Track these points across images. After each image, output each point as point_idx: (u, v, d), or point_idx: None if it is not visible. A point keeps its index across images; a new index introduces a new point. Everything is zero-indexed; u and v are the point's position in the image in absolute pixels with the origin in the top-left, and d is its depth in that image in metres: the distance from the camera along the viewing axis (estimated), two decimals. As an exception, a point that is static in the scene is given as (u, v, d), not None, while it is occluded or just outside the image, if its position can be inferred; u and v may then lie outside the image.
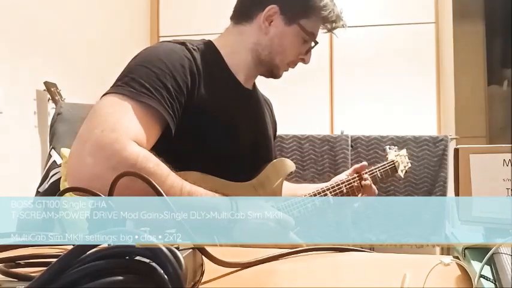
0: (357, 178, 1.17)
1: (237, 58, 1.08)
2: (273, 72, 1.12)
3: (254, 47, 1.08)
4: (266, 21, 1.07)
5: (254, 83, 1.18)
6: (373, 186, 1.19)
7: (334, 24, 1.11)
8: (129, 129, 0.83)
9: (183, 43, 1.00)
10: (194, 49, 1.00)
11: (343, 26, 1.13)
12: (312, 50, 1.13)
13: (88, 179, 0.78)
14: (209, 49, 1.05)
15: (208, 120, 0.98)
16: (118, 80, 0.91)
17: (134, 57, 0.97)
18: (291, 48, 1.09)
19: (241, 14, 1.11)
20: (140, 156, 0.80)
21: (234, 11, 1.12)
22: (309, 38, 1.10)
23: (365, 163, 1.21)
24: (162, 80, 0.90)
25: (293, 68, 1.14)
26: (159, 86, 0.89)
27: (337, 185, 1.14)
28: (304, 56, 1.12)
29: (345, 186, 1.14)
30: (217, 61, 1.06)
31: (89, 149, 0.79)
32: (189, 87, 0.94)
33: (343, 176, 1.19)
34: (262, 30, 1.07)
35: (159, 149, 0.87)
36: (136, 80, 0.88)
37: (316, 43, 1.12)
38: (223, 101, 1.02)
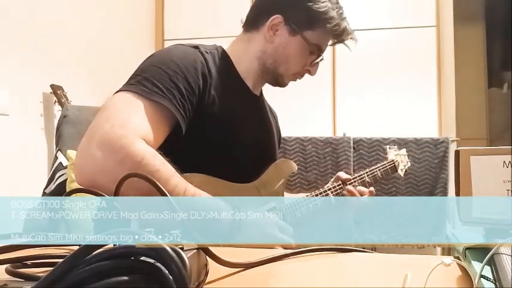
0: (341, 186, 1.16)
1: (245, 65, 1.09)
2: (278, 81, 1.13)
3: (260, 55, 1.09)
4: (271, 30, 1.08)
5: (261, 91, 1.19)
6: (360, 192, 1.18)
7: (340, 38, 1.10)
8: (138, 127, 0.83)
9: (196, 47, 1.01)
10: (206, 52, 1.01)
11: (352, 40, 1.12)
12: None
13: (94, 172, 0.79)
14: (220, 54, 1.06)
15: (216, 122, 0.98)
16: (131, 78, 0.92)
17: (148, 58, 0.98)
18: (295, 58, 1.09)
19: (250, 22, 1.12)
20: (147, 153, 0.80)
21: (245, 19, 1.14)
22: (314, 50, 1.09)
23: (349, 176, 1.19)
24: (174, 81, 0.90)
25: (300, 78, 1.14)
26: (171, 87, 0.89)
27: (324, 192, 1.14)
28: (310, 68, 1.12)
29: (331, 192, 1.14)
30: (227, 66, 1.06)
31: (97, 143, 0.80)
32: (200, 88, 0.95)
33: (328, 184, 1.18)
34: (268, 39, 1.08)
35: (167, 148, 0.87)
36: (149, 80, 0.89)
37: (322, 58, 1.12)
38: (232, 104, 1.02)
